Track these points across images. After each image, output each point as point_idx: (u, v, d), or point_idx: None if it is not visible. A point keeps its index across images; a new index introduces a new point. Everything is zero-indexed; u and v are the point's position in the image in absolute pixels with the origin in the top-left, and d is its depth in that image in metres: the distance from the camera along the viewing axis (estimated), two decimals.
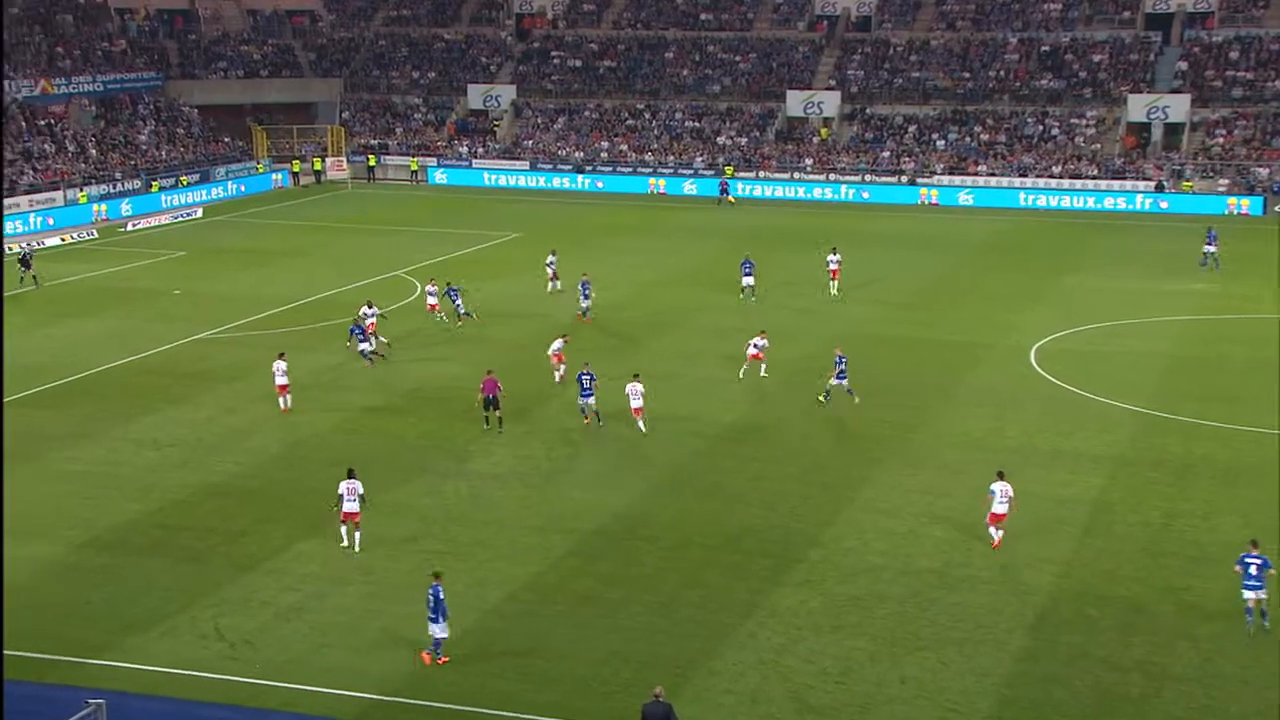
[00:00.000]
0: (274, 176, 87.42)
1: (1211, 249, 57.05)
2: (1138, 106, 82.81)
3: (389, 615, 24.74)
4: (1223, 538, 27.66)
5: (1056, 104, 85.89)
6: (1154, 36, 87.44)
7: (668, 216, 75.60)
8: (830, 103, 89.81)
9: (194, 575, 26.36)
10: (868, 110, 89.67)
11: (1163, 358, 42.63)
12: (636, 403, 34.71)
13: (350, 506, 27.67)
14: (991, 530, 27.57)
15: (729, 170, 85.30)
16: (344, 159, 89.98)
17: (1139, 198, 77.52)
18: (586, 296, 47.01)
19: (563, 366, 39.15)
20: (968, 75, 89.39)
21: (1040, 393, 38.79)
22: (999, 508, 27.39)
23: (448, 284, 47.47)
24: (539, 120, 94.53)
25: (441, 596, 22.77)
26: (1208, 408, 36.79)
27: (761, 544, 27.83)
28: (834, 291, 51.00)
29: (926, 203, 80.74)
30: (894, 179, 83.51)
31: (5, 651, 22.80)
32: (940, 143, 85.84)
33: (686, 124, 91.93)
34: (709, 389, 39.26)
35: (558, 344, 39.67)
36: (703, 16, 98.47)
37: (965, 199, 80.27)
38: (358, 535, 27.63)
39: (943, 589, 25.66)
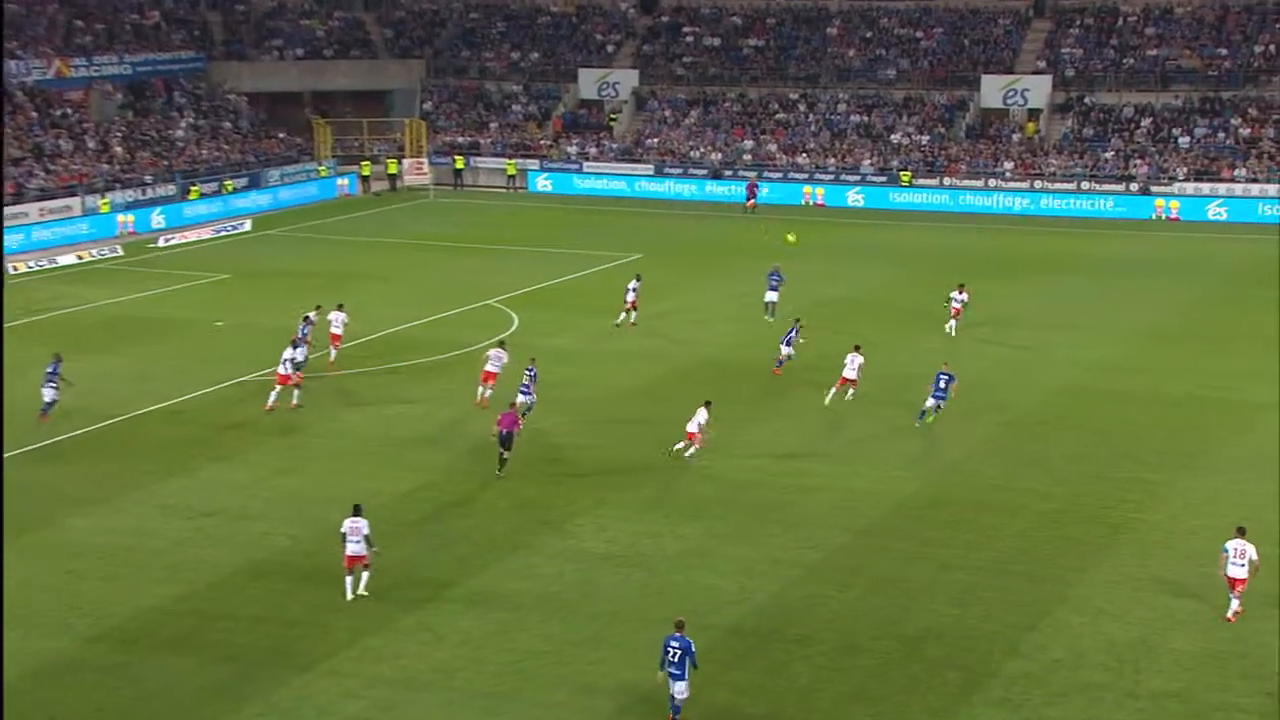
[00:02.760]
0: (339, 181, 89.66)
1: None
2: None
3: None
4: None
5: None
6: None
7: (826, 234, 75.50)
8: (1038, 90, 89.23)
9: (234, 677, 26.84)
10: (1087, 99, 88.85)
11: None
12: (693, 427, 37.59)
13: (354, 549, 29.35)
14: (1234, 600, 28.35)
15: (905, 176, 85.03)
16: (425, 161, 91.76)
17: None
18: (789, 344, 46.56)
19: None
20: (1224, 52, 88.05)
21: None
22: (1234, 571, 28.31)
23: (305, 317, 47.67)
24: (667, 114, 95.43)
25: (693, 650, 24.51)
26: None
27: (948, 651, 27.55)
28: (950, 331, 51.16)
29: (1164, 217, 79.63)
30: (1121, 187, 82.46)
31: None
32: (1184, 140, 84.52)
33: (852, 118, 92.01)
34: (876, 451, 39.12)
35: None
36: None
37: (1217, 213, 79.00)
38: (364, 578, 29.56)
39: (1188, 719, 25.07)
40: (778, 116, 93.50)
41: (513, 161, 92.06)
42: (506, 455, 36.97)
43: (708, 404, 38.13)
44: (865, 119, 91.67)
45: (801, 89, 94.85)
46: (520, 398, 40.20)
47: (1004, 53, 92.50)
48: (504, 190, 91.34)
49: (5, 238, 68.78)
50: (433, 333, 52.71)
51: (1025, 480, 36.91)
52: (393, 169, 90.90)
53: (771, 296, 54.00)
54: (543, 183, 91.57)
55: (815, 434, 40.81)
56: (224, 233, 75.80)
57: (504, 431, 36.85)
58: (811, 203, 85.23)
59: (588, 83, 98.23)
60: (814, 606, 29.67)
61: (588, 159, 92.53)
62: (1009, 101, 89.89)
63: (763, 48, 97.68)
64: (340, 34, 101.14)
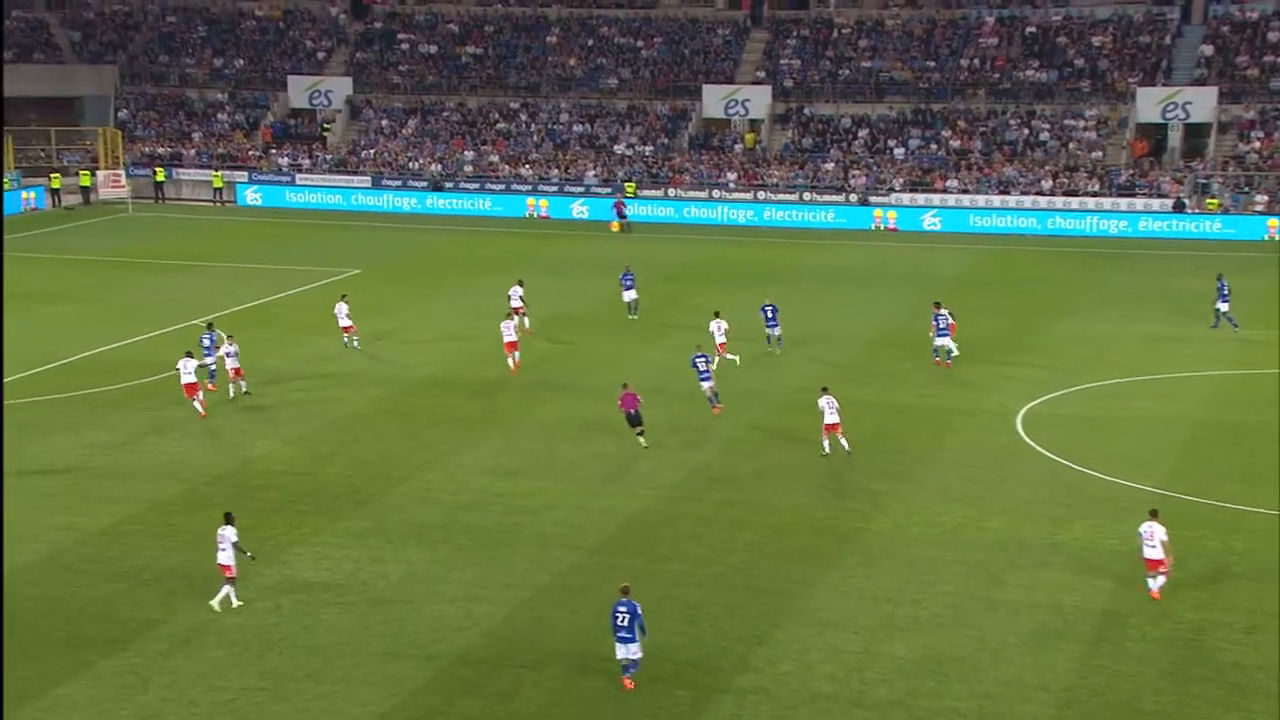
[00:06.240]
0: (25, 195, 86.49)
1: (1223, 307, 54.78)
2: (1150, 103, 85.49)
3: None
4: (1271, 659, 28.29)
5: (1046, 101, 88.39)
6: (1170, 13, 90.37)
7: (551, 246, 75.97)
8: (758, 101, 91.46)
9: None
10: (806, 110, 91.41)
11: (1190, 424, 43.68)
12: (831, 418, 39.82)
13: (222, 558, 30.40)
14: (1149, 580, 30.84)
15: (630, 187, 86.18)
16: (123, 172, 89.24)
17: (1152, 220, 79.85)
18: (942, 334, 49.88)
19: None
20: (933, 65, 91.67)
21: (1030, 470, 39.54)
22: (1149, 553, 30.84)
23: None
24: (383, 124, 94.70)
25: (640, 612, 26.70)
26: (1251, 490, 37.57)
27: (678, 669, 27.95)
28: (955, 352, 50.29)
29: (882, 228, 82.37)
30: (840, 198, 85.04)
31: None
32: (899, 151, 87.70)
33: (575, 128, 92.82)
34: (602, 468, 39.49)
35: None
36: None
37: (931, 223, 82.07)
38: (228, 591, 30.43)
39: None
40: (499, 126, 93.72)
41: (219, 173, 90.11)
42: (642, 429, 40.47)
43: (825, 389, 40.56)
44: (588, 129, 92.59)
45: (522, 98, 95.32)
46: (704, 384, 44.04)
47: (724, 63, 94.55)
48: (210, 204, 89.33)
49: None
50: (133, 355, 51.20)
51: (753, 494, 37.63)
52: (85, 181, 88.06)
53: (630, 295, 57.48)
54: (252, 196, 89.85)
55: (538, 452, 40.97)
56: None
57: (630, 412, 40.27)
58: (535, 215, 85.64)
59: (298, 91, 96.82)
60: (544, 629, 29.77)
61: (300, 171, 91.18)
62: (730, 112, 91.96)
63: (481, 56, 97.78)
64: (23, 36, 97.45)
